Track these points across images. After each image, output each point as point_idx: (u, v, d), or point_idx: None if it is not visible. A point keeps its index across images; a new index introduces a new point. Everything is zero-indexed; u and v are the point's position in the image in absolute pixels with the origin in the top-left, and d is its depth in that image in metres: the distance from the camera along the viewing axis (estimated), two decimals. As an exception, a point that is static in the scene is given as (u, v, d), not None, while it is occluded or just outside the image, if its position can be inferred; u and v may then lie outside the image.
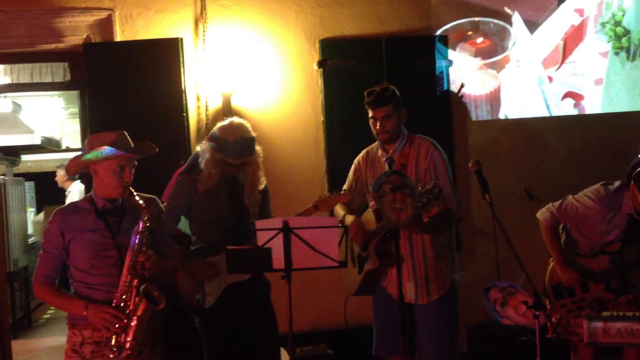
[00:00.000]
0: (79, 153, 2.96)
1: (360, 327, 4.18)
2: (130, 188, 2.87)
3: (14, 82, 5.32)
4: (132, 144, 2.90)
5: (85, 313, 2.78)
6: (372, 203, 3.53)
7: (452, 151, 4.91)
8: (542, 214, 3.74)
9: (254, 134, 3.40)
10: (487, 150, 5.24)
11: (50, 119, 9.10)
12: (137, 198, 2.87)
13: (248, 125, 3.41)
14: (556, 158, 5.35)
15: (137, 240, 2.83)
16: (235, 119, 3.45)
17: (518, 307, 2.96)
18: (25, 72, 5.33)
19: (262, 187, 3.49)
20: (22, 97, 8.41)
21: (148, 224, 2.85)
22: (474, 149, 5.23)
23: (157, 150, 2.99)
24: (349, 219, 3.48)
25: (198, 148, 3.48)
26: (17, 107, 8.16)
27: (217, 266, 3.34)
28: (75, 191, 6.86)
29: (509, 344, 4.63)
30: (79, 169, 2.97)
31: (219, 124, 3.41)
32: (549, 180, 5.26)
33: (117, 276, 2.83)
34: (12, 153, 8.66)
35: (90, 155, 2.81)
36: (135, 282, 2.80)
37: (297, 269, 2.90)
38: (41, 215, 8.79)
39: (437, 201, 3.17)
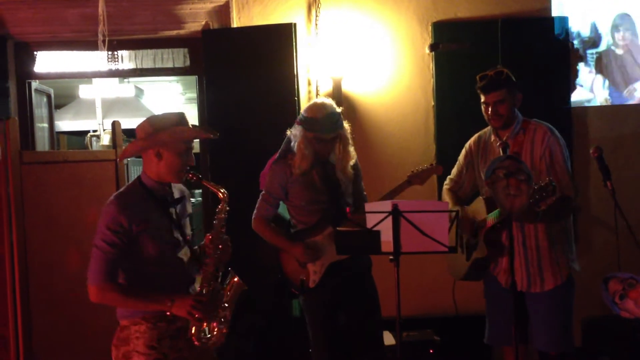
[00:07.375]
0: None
1: (469, 315, 4.13)
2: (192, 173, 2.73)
3: (138, 67, 5.57)
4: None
5: (170, 308, 2.58)
6: (483, 190, 3.46)
7: (570, 138, 4.72)
8: None
9: (339, 109, 3.48)
10: (608, 137, 4.98)
11: (169, 104, 9.52)
12: (207, 183, 2.75)
13: (333, 102, 3.50)
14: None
15: (218, 227, 2.74)
16: (318, 99, 3.59)
17: (639, 300, 2.82)
18: (148, 58, 5.57)
19: (353, 161, 3.53)
20: (143, 83, 8.86)
21: (228, 208, 2.75)
22: (595, 135, 4.98)
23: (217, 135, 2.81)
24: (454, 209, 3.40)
25: (289, 133, 3.55)
26: (139, 91, 8.61)
27: (317, 246, 3.43)
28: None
29: (627, 339, 4.39)
30: (136, 152, 2.86)
31: (305, 107, 3.51)
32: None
33: (185, 266, 2.73)
34: (134, 135, 9.11)
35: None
36: (217, 269, 2.71)
37: (406, 253, 2.89)
38: None
39: (552, 198, 2.98)
